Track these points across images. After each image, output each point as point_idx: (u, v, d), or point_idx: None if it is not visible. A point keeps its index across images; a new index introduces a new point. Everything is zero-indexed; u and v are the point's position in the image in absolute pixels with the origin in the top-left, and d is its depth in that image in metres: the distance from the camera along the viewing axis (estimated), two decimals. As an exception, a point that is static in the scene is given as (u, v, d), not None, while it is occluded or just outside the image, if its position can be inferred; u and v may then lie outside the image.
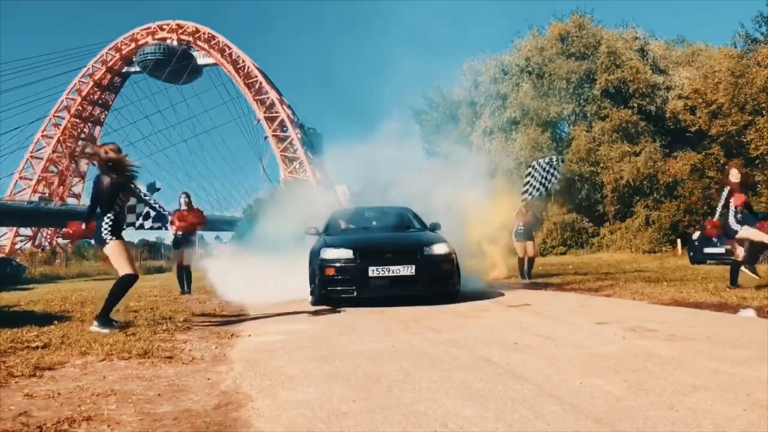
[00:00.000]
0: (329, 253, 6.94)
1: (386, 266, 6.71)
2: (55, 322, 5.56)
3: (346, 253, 6.88)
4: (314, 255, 7.18)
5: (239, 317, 6.16)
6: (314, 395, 2.81)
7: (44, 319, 5.94)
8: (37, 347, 4.09)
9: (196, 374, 3.35)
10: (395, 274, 6.71)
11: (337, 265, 6.80)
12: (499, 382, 2.92)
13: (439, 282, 6.94)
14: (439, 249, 7.04)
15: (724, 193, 7.25)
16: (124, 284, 4.99)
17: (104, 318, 4.87)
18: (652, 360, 3.31)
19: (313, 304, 7.02)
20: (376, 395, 2.77)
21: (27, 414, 2.52)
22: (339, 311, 6.41)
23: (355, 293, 6.70)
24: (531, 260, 11.32)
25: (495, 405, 2.53)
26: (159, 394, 2.86)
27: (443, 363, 3.44)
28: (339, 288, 6.78)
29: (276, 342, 4.43)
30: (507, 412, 2.42)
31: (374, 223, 8.54)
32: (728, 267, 7.43)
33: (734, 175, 7.23)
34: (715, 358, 3.30)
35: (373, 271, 6.68)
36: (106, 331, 4.68)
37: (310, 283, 7.10)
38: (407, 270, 6.71)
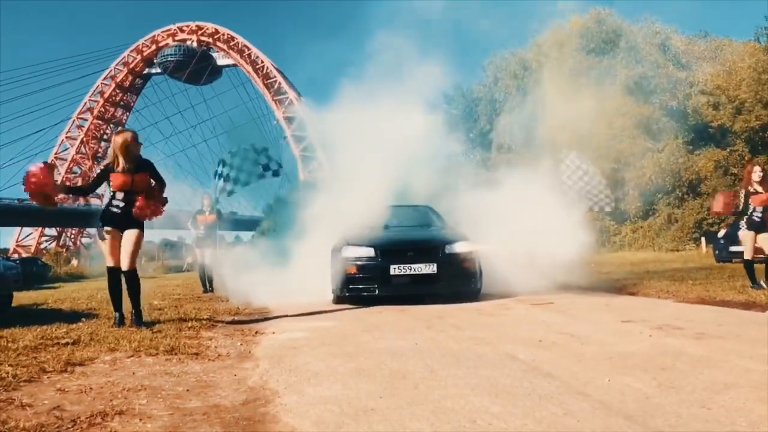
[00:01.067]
0: (350, 251, 6.93)
1: (407, 264, 6.68)
2: (83, 319, 5.65)
3: (367, 251, 6.87)
4: (335, 253, 7.15)
5: (263, 315, 6.20)
6: (341, 391, 2.82)
7: (72, 316, 6.05)
8: (66, 344, 4.16)
9: (222, 370, 3.38)
10: (417, 272, 6.69)
11: (359, 263, 6.80)
12: (526, 379, 2.90)
13: (460, 280, 6.88)
14: (461, 247, 6.96)
15: (742, 193, 7.15)
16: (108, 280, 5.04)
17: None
18: (681, 358, 3.27)
19: (335, 302, 7.03)
20: (403, 392, 2.77)
21: (60, 408, 2.57)
22: (361, 310, 6.41)
23: (376, 291, 6.70)
24: None
25: (522, 402, 2.52)
26: (188, 390, 2.90)
27: (468, 360, 3.43)
28: (360, 286, 6.78)
29: (300, 339, 4.46)
30: (535, 409, 2.40)
31: (395, 221, 8.32)
32: (760, 265, 7.30)
33: (756, 173, 7.11)
34: (746, 357, 3.24)
35: (394, 269, 6.67)
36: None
37: (332, 282, 7.08)
38: (429, 268, 6.67)
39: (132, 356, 3.72)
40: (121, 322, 4.96)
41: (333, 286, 7.08)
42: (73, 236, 64.46)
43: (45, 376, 3.15)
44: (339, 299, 7.03)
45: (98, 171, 5.18)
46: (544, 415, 2.32)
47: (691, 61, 28.28)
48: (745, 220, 7.13)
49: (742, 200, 7.15)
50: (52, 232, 63.31)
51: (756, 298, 5.95)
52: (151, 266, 34.20)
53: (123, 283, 4.99)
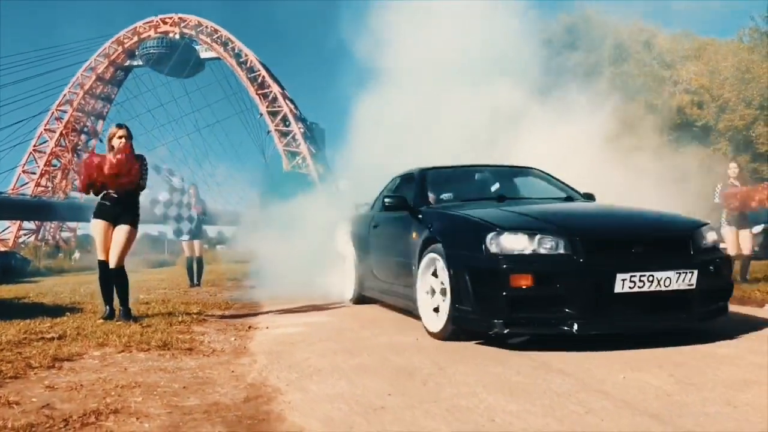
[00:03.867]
0: (512, 242, 3.50)
1: (644, 272, 3.36)
2: (68, 313, 5.47)
3: (552, 243, 3.47)
4: (462, 246, 3.81)
5: (254, 310, 6.04)
6: (346, 388, 2.70)
7: (55, 310, 5.85)
8: (52, 338, 3.98)
9: (219, 366, 3.24)
10: (661, 286, 3.38)
11: (539, 267, 3.42)
12: (538, 376, 2.80)
13: (720, 299, 3.82)
14: (711, 237, 3.92)
15: (718, 188, 7.19)
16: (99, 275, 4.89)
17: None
18: (694, 354, 3.19)
19: (496, 334, 3.52)
20: (412, 389, 2.65)
21: (50, 406, 2.41)
22: (356, 306, 6.22)
23: (576, 326, 3.32)
24: None
25: (540, 400, 2.41)
26: (184, 387, 2.75)
27: (474, 356, 3.32)
28: (542, 315, 3.43)
29: (296, 334, 4.32)
30: (555, 408, 2.30)
31: (493, 191, 5.22)
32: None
33: (731, 169, 7.17)
34: (759, 353, 3.18)
35: (622, 282, 3.34)
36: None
37: (456, 302, 3.66)
38: (683, 279, 3.43)
39: (122, 351, 3.55)
40: (110, 315, 4.78)
41: (459, 308, 3.65)
42: (52, 230, 63.39)
43: (31, 372, 2.98)
44: (499, 333, 3.46)
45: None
46: (565, 414, 2.22)
47: (676, 60, 28.47)
48: (724, 216, 7.17)
49: (717, 195, 7.22)
50: (30, 225, 62.22)
51: (751, 295, 5.92)
52: (132, 261, 33.71)
53: (112, 289, 4.85)
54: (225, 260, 25.57)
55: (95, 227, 4.76)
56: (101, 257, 4.78)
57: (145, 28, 69.60)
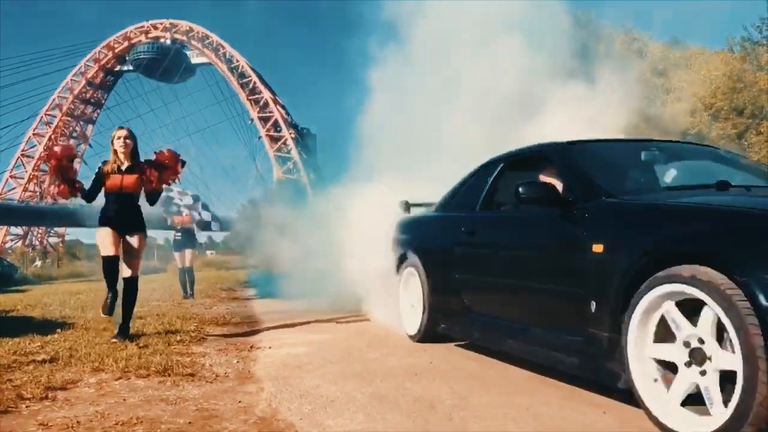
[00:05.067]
0: None
1: None
2: (58, 330, 5.22)
3: None
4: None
5: (253, 327, 5.82)
6: (365, 424, 2.50)
7: (45, 326, 5.61)
8: (43, 361, 3.77)
9: (224, 395, 3.03)
10: None
11: None
12: (569, 408, 2.62)
13: None
14: None
15: None
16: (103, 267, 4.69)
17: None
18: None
19: None
20: (437, 424, 2.47)
21: (45, 448, 2.20)
22: (359, 323, 6.03)
23: None
24: None
25: (578, 439, 2.23)
26: (189, 422, 2.55)
27: (495, 384, 3.14)
28: None
29: (301, 355, 4.11)
30: (597, 449, 2.12)
31: (672, 176, 3.55)
32: None
33: None
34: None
35: None
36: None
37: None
38: None
39: (120, 378, 3.34)
40: (113, 300, 4.56)
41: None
42: (39, 235, 62.64)
43: (23, 405, 2.76)
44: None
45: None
46: (610, 458, 2.04)
47: (668, 68, 28.59)
48: None
49: None
50: (17, 230, 61.47)
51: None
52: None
53: (117, 277, 4.65)
54: (216, 266, 25.27)
55: (103, 234, 4.59)
56: (109, 252, 4.56)
57: (135, 33, 69.26)
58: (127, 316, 4.65)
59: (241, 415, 2.67)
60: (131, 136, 4.68)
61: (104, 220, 4.61)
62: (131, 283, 4.68)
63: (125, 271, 4.66)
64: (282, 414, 2.69)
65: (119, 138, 4.61)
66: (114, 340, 4.45)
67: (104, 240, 4.56)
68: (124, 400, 2.90)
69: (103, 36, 69.13)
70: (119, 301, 4.61)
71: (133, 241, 4.65)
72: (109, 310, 4.56)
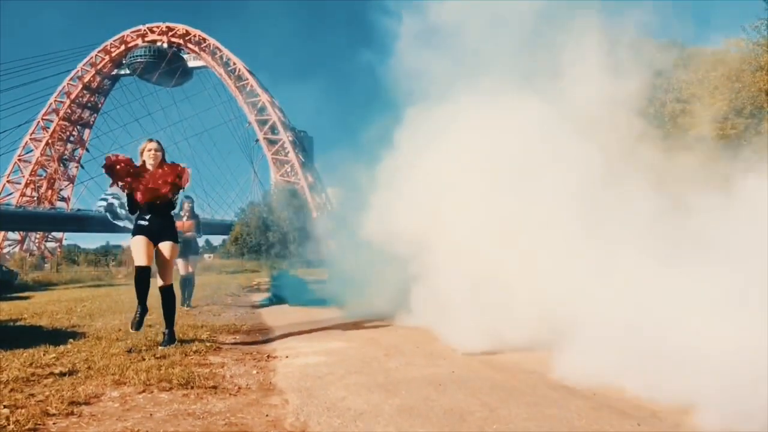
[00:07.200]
0: None
1: None
2: (71, 340, 5.19)
3: None
4: None
5: (265, 335, 5.79)
6: (398, 438, 2.48)
7: (55, 335, 5.58)
8: (62, 374, 3.74)
9: (249, 408, 3.01)
10: None
11: None
12: (603, 420, 2.61)
13: None
14: None
15: None
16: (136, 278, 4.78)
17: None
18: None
19: None
20: (471, 438, 2.45)
21: (79, 468, 2.18)
22: (371, 330, 6.02)
23: None
24: None
25: (618, 453, 2.22)
26: (221, 438, 2.53)
27: (523, 394, 3.12)
28: None
29: (320, 365, 4.09)
30: (639, 464, 2.11)
31: None
32: None
33: None
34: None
35: None
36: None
37: None
38: None
39: (143, 391, 3.31)
40: (143, 314, 4.66)
41: None
42: (37, 240, 62.46)
43: (50, 422, 2.74)
44: None
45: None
46: (653, 473, 2.03)
47: (666, 68, 28.63)
48: None
49: None
50: (15, 236, 61.29)
51: None
52: (120, 272, 33.12)
53: (147, 291, 4.78)
54: (216, 270, 25.23)
55: (136, 242, 4.68)
56: (142, 263, 4.65)
57: (132, 37, 69.15)
58: (170, 321, 4.80)
59: (272, 430, 2.65)
60: (160, 148, 4.76)
61: (139, 230, 4.68)
62: (167, 291, 4.78)
63: (162, 280, 4.77)
64: (311, 428, 2.67)
65: (149, 150, 4.71)
66: (162, 347, 4.56)
67: (141, 249, 4.62)
68: (151, 415, 2.88)
69: (99, 40, 68.94)
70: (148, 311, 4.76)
71: (166, 247, 4.72)
72: (137, 325, 4.62)
